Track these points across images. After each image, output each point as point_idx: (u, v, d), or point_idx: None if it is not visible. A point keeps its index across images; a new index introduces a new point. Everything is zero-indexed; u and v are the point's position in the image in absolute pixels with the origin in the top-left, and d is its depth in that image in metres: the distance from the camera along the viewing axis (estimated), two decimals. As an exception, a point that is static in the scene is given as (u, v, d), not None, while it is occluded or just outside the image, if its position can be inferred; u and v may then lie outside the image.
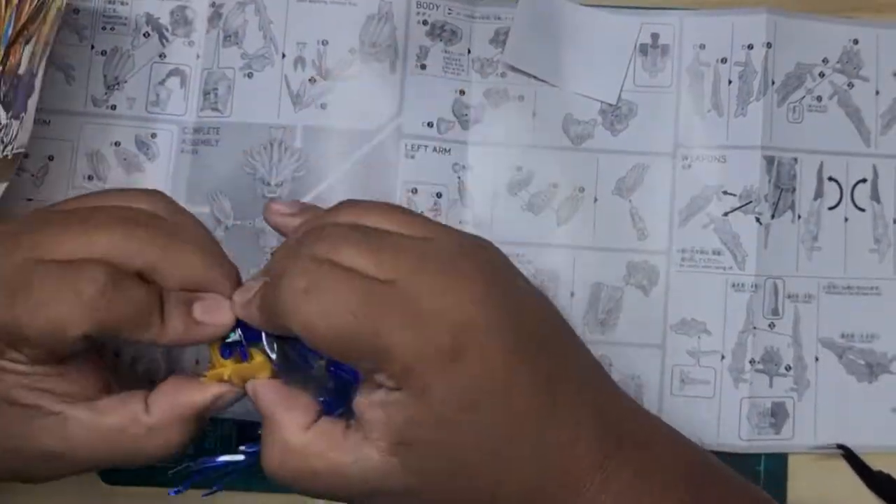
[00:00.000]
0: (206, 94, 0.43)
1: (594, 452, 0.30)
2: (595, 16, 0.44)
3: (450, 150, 0.43)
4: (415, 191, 0.43)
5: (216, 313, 0.32)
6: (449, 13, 0.44)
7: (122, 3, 0.45)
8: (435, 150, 0.43)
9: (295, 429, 0.31)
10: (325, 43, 0.43)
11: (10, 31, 0.39)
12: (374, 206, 0.33)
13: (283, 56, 0.43)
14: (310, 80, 0.43)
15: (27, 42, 0.40)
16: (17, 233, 0.31)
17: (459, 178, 0.43)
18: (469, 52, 0.44)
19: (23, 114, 0.39)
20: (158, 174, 0.44)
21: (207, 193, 0.43)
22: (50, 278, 0.30)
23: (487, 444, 0.30)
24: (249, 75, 0.43)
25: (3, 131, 0.39)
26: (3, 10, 0.39)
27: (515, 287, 0.32)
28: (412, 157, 0.43)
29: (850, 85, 0.45)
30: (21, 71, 0.39)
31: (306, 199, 0.42)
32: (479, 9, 0.44)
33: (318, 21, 0.43)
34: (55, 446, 0.31)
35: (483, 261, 0.31)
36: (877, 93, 0.45)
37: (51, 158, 0.44)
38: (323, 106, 0.43)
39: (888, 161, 0.45)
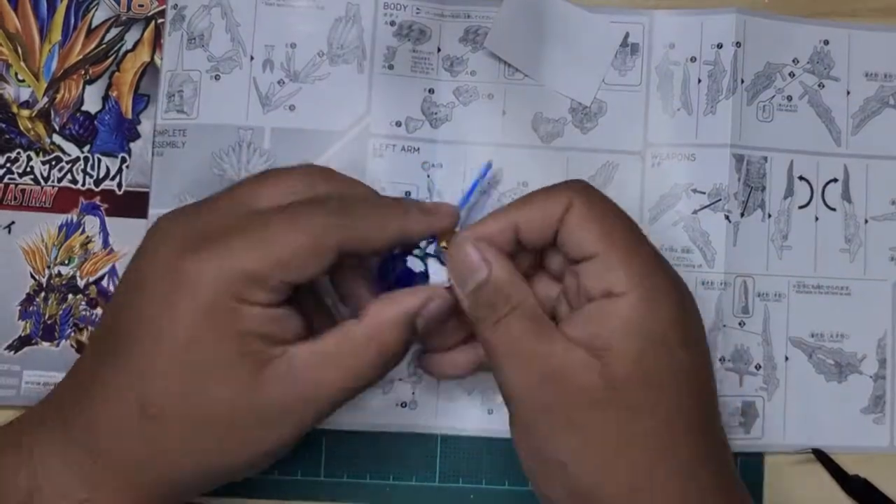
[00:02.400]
0: (170, 96, 0.44)
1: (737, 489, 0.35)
2: (583, 16, 0.45)
3: (419, 148, 0.44)
4: (383, 190, 0.43)
5: (443, 205, 0.37)
6: (417, 13, 0.44)
7: (92, 5, 0.46)
8: (404, 149, 0.44)
9: (528, 290, 0.34)
10: (293, 45, 0.44)
11: (53, 65, 0.44)
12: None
13: (252, 58, 0.44)
14: (278, 82, 0.44)
15: (90, 82, 0.45)
16: (219, 197, 0.35)
17: (429, 176, 0.44)
18: (439, 50, 0.45)
19: (123, 154, 0.45)
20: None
21: (175, 195, 0.43)
22: (286, 212, 0.33)
23: (685, 384, 0.33)
24: (216, 77, 0.44)
25: (77, 164, 0.45)
26: (39, 43, 0.45)
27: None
28: (381, 156, 0.44)
29: (821, 85, 0.45)
30: (88, 108, 0.45)
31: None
32: (448, 7, 0.45)
33: (285, 24, 0.44)
34: (289, 392, 0.33)
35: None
36: (848, 93, 0.46)
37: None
38: (291, 107, 0.44)
39: (859, 161, 0.45)
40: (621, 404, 0.32)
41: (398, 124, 0.44)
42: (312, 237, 0.32)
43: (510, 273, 0.34)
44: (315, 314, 0.37)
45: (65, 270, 0.44)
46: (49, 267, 0.44)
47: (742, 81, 0.45)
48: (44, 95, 0.45)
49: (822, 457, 0.44)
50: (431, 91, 0.45)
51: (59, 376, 0.36)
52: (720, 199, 0.44)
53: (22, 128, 0.45)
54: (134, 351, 0.32)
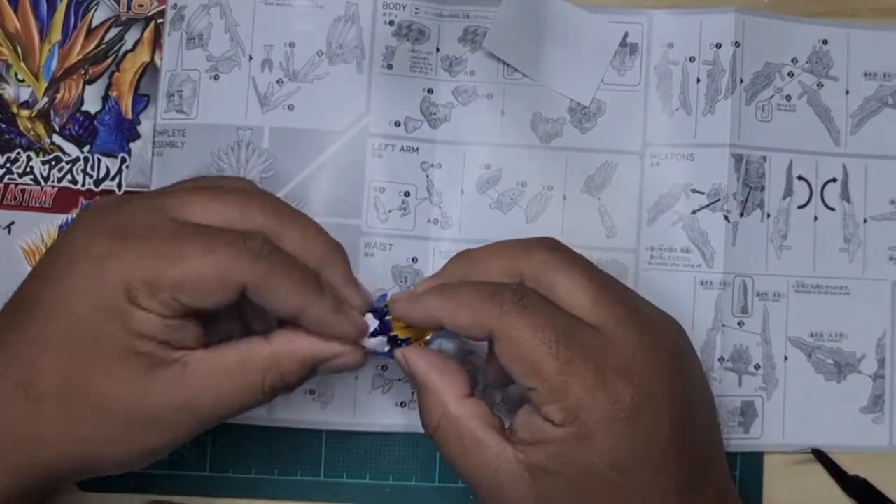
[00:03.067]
0: (169, 96, 0.44)
1: None
2: (582, 16, 0.45)
3: (418, 148, 0.44)
4: (382, 190, 0.44)
5: (354, 316, 0.35)
6: (416, 13, 0.45)
7: (92, 5, 0.46)
8: (403, 149, 0.44)
9: (453, 397, 0.34)
10: (292, 45, 0.44)
11: (53, 65, 0.45)
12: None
13: (251, 58, 0.44)
14: (277, 81, 0.44)
15: (89, 82, 0.45)
16: (154, 197, 0.34)
17: (428, 176, 0.44)
18: (438, 50, 0.45)
19: (123, 155, 0.45)
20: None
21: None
22: (205, 236, 0.32)
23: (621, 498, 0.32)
24: (216, 77, 0.44)
25: (76, 164, 0.45)
26: (39, 43, 0.45)
27: (695, 376, 0.35)
28: (380, 156, 0.44)
29: (820, 85, 0.46)
30: (88, 109, 0.45)
31: (296, 179, 0.44)
32: (447, 7, 0.45)
33: (284, 23, 0.45)
34: (177, 396, 0.32)
35: (680, 337, 0.35)
36: (847, 92, 0.46)
37: (22, 160, 0.45)
38: (290, 107, 0.44)
39: (858, 160, 0.46)
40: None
41: (397, 124, 0.44)
42: (218, 272, 0.32)
43: (426, 393, 0.35)
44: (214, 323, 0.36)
45: (64, 270, 0.44)
46: (49, 267, 0.44)
47: (741, 81, 0.45)
48: (44, 95, 0.45)
49: (821, 457, 0.44)
50: (430, 91, 0.45)
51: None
52: (719, 199, 0.44)
53: (22, 128, 0.45)
54: (29, 329, 0.32)
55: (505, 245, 0.36)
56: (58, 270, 0.33)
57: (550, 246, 0.36)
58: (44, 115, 0.45)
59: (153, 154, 0.45)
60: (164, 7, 0.45)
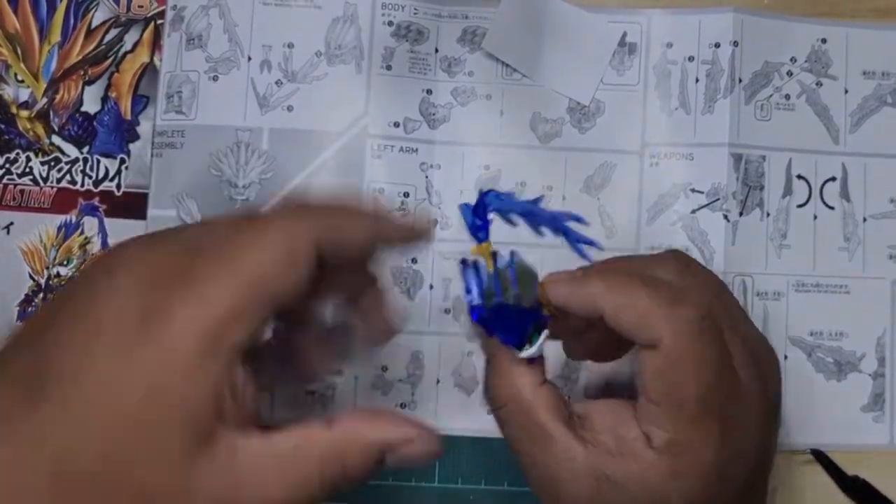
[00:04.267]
0: (168, 97, 0.45)
1: None
2: (581, 16, 0.46)
3: (417, 149, 0.45)
4: (382, 190, 0.44)
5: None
6: (415, 13, 0.45)
7: (91, 7, 0.47)
8: (402, 149, 0.45)
9: (528, 384, 0.32)
10: (290, 46, 0.45)
11: (53, 66, 0.45)
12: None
13: (249, 59, 0.45)
14: (276, 82, 0.45)
15: (89, 83, 0.46)
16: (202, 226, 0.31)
17: (427, 177, 0.45)
18: (436, 51, 0.45)
19: (122, 155, 0.46)
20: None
21: (173, 196, 0.44)
22: (251, 228, 0.28)
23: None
24: (215, 78, 0.45)
25: (76, 165, 0.45)
26: (38, 44, 0.45)
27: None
28: (379, 157, 0.44)
29: (819, 84, 0.46)
30: (87, 109, 0.46)
31: (274, 200, 0.44)
32: (446, 8, 0.46)
33: (283, 24, 0.45)
34: (217, 487, 0.26)
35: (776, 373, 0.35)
36: (846, 91, 0.46)
37: (21, 161, 0.45)
38: (289, 108, 0.45)
39: (858, 159, 0.46)
40: None
41: (396, 125, 0.45)
42: (285, 242, 0.28)
43: (501, 375, 0.33)
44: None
45: (64, 271, 0.45)
46: (48, 268, 0.45)
47: (740, 80, 0.45)
48: (43, 96, 0.46)
49: (820, 457, 0.44)
50: (429, 92, 0.45)
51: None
52: (718, 199, 0.45)
53: (21, 128, 0.46)
54: (70, 396, 0.26)
55: (643, 258, 0.36)
56: (104, 331, 0.26)
57: (681, 261, 0.35)
58: (43, 116, 0.46)
59: (152, 155, 0.45)
60: (163, 8, 0.46)
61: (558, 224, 0.32)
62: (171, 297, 0.26)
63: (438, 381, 0.44)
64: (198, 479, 0.26)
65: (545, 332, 0.32)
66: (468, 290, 0.32)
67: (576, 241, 0.33)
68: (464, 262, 0.32)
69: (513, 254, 0.32)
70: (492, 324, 0.32)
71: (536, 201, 0.32)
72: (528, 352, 0.32)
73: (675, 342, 0.30)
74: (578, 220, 0.32)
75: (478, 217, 0.31)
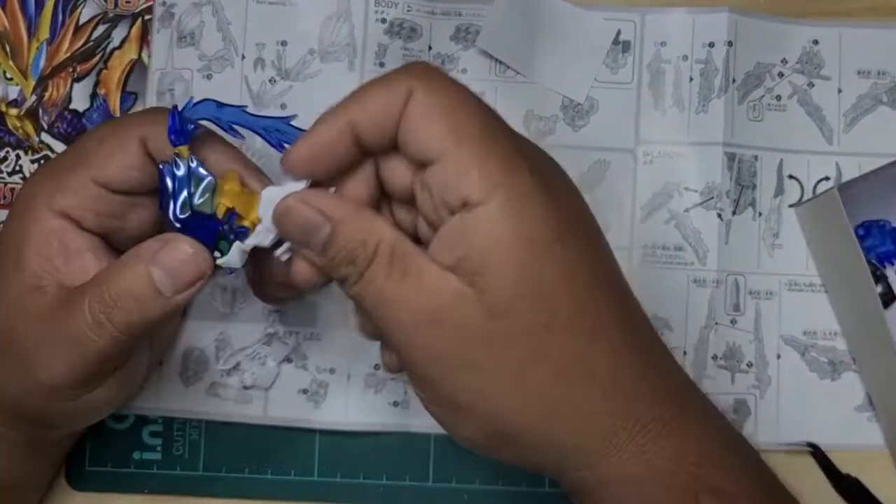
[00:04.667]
0: (160, 94, 0.45)
1: (673, 378, 0.32)
2: (575, 13, 0.46)
3: (410, 148, 0.45)
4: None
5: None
6: (408, 10, 0.45)
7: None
8: (395, 148, 0.44)
9: (385, 222, 0.30)
10: (284, 43, 0.45)
11: (41, 63, 0.45)
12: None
13: (243, 57, 0.45)
14: (270, 80, 0.45)
15: (77, 80, 0.45)
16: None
17: (420, 176, 0.45)
18: (430, 48, 0.45)
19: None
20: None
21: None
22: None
23: (574, 279, 0.29)
24: (208, 76, 0.45)
25: None
26: (27, 41, 0.45)
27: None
28: (372, 155, 0.44)
29: (811, 84, 0.46)
30: (76, 107, 0.46)
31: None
32: (439, 5, 0.46)
33: (277, 22, 0.45)
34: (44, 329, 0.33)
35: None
36: (839, 91, 0.46)
37: (10, 159, 0.45)
38: (283, 106, 0.45)
39: (852, 159, 0.46)
40: (510, 330, 0.29)
41: (390, 122, 0.45)
42: (113, 136, 0.34)
43: (356, 217, 0.30)
44: None
45: (53, 270, 0.44)
46: (37, 267, 0.44)
47: (733, 80, 0.45)
48: (32, 94, 0.45)
49: (816, 452, 0.44)
50: (423, 89, 0.45)
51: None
52: (712, 198, 0.45)
53: (10, 126, 0.45)
54: None
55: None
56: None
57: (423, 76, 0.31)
58: (32, 114, 0.45)
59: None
60: (151, 3, 0.45)
61: (268, 128, 0.35)
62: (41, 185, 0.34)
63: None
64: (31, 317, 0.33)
65: (237, 243, 0.32)
66: (162, 194, 0.33)
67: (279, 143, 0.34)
68: (161, 164, 0.33)
69: (190, 159, 0.33)
70: (188, 230, 0.33)
71: (243, 108, 0.36)
72: (222, 259, 0.32)
73: (419, 82, 0.29)
74: (286, 120, 0.35)
75: (175, 122, 0.32)
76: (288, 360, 0.44)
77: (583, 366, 0.29)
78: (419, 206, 0.31)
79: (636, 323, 0.31)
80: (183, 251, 0.32)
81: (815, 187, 0.46)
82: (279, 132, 0.35)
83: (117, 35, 0.46)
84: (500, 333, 0.29)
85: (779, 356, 0.45)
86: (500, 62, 0.46)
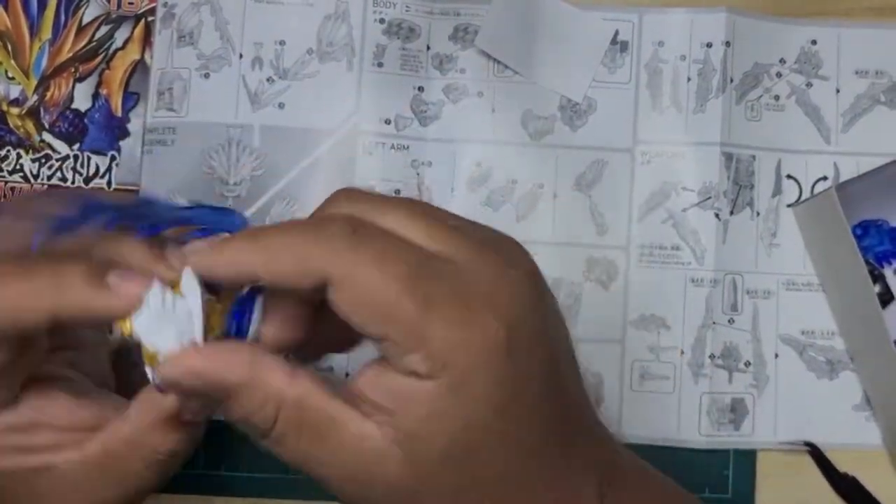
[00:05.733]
0: (160, 94, 0.45)
1: (592, 480, 0.30)
2: (573, 13, 0.46)
3: (408, 146, 0.45)
4: (373, 188, 0.44)
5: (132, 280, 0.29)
6: (407, 10, 0.46)
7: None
8: (393, 147, 0.45)
9: (284, 376, 0.28)
10: (282, 43, 0.45)
11: (43, 63, 0.46)
12: (392, 203, 0.29)
13: (241, 56, 0.45)
14: (267, 79, 0.45)
15: (79, 80, 0.46)
16: None
17: (418, 174, 0.45)
18: (428, 48, 0.46)
19: (112, 153, 0.46)
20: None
21: (165, 193, 0.45)
22: None
23: (508, 460, 0.28)
24: (206, 76, 0.45)
25: (66, 162, 0.46)
26: (29, 41, 0.46)
27: (549, 296, 0.31)
28: (370, 154, 0.45)
29: (809, 84, 0.46)
30: (78, 106, 0.46)
31: (265, 197, 0.45)
32: (437, 5, 0.46)
33: (275, 21, 0.46)
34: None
35: (524, 253, 0.30)
36: (837, 91, 0.47)
37: (12, 158, 0.46)
38: (281, 105, 0.45)
39: (850, 158, 0.47)
40: (440, 492, 0.28)
41: (387, 122, 0.45)
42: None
43: (252, 379, 0.28)
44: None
45: (54, 268, 0.45)
46: (38, 265, 0.45)
47: (731, 80, 0.46)
48: (34, 93, 0.46)
49: (814, 451, 0.45)
50: (421, 89, 0.46)
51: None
52: (710, 197, 0.45)
53: (12, 125, 0.46)
54: None
55: (296, 231, 0.28)
56: None
57: (359, 190, 0.30)
58: (34, 113, 0.46)
59: (143, 152, 0.45)
60: (154, 5, 0.46)
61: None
62: None
63: None
64: None
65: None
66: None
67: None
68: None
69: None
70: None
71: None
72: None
73: (339, 263, 0.27)
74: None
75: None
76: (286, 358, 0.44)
77: None
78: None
79: (572, 458, 0.30)
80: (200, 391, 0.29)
81: (812, 187, 0.46)
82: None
83: (120, 36, 0.46)
84: (424, 493, 0.28)
85: (776, 355, 0.45)
86: (499, 62, 0.46)
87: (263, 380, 0.27)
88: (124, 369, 0.36)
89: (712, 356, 0.45)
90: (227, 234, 0.29)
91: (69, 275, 0.28)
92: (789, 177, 0.46)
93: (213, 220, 0.29)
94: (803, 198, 0.46)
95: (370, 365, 0.28)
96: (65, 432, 0.31)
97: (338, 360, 0.44)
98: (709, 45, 0.46)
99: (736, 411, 0.45)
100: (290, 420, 0.27)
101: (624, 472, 0.31)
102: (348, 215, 0.28)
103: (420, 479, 0.27)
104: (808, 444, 0.45)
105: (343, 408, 0.28)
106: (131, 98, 0.46)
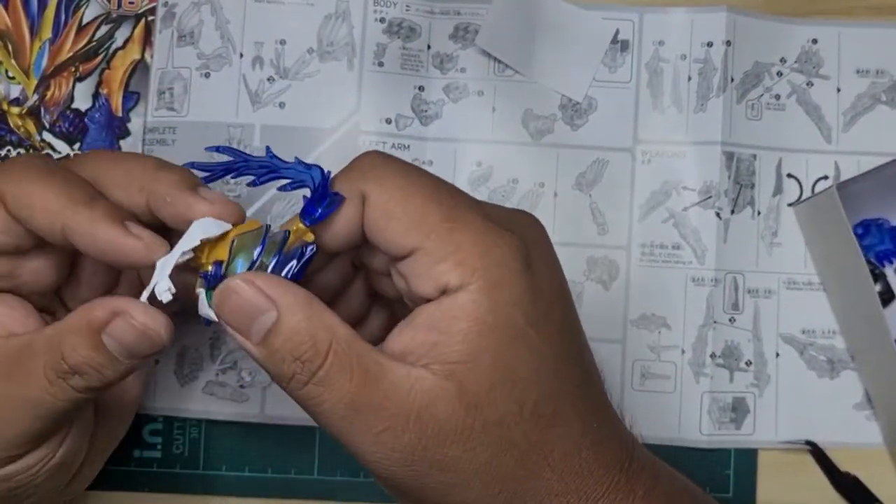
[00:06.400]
0: (160, 93, 0.45)
1: (620, 446, 0.31)
2: (574, 12, 0.46)
3: (409, 146, 0.45)
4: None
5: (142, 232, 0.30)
6: (407, 10, 0.46)
7: (82, 3, 0.47)
8: (394, 146, 0.45)
9: (335, 317, 0.28)
10: (282, 42, 0.45)
11: (44, 62, 0.46)
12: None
13: (241, 56, 0.45)
14: (268, 79, 0.45)
15: (80, 79, 0.46)
16: None
17: (419, 174, 0.45)
18: (429, 47, 0.46)
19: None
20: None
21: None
22: None
23: (545, 383, 0.29)
24: (206, 75, 0.45)
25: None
26: (29, 40, 0.46)
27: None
28: (371, 154, 0.45)
29: (810, 84, 0.47)
30: (78, 106, 0.46)
31: (265, 197, 0.45)
32: (438, 4, 0.46)
33: (275, 20, 0.46)
34: None
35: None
36: (838, 90, 0.47)
37: None
38: (281, 105, 0.45)
39: (851, 158, 0.47)
40: (485, 423, 0.28)
41: (388, 122, 0.45)
42: None
43: (307, 306, 0.28)
44: None
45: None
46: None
47: (732, 80, 0.46)
48: (34, 93, 0.46)
49: (815, 450, 0.45)
50: (421, 88, 0.46)
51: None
52: (711, 196, 0.45)
53: (12, 125, 0.46)
54: None
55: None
56: None
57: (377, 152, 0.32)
58: (34, 113, 0.46)
59: (143, 151, 0.45)
60: (154, 4, 0.46)
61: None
62: None
63: None
64: None
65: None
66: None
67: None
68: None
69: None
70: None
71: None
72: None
73: (371, 179, 0.29)
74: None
75: (320, 194, 0.30)
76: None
77: (541, 451, 0.29)
78: (399, 290, 0.31)
79: (592, 399, 0.31)
80: (133, 328, 0.30)
81: (813, 186, 0.46)
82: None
83: (120, 35, 0.46)
84: (476, 427, 0.28)
85: (777, 354, 0.46)
86: (499, 61, 0.46)
87: (321, 312, 0.28)
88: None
89: (713, 355, 0.45)
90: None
91: (96, 208, 0.30)
92: (790, 176, 0.46)
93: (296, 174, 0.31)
94: (804, 197, 0.46)
95: (397, 328, 0.29)
96: None
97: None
98: (709, 45, 0.46)
99: (737, 410, 0.45)
100: (342, 357, 0.27)
101: (641, 456, 0.32)
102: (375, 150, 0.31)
103: (471, 412, 0.28)
104: (809, 443, 0.45)
105: (388, 356, 0.28)
106: (131, 97, 0.46)
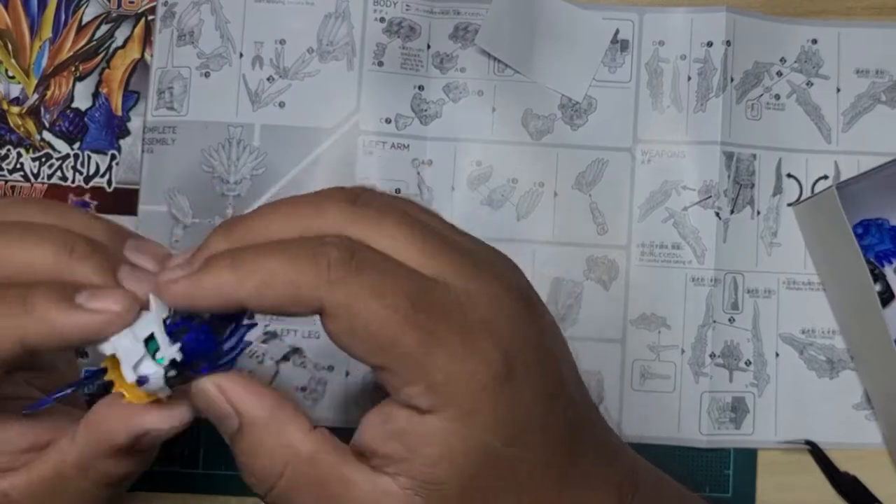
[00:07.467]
0: (160, 93, 0.45)
1: (613, 493, 0.30)
2: (574, 12, 0.46)
3: (409, 145, 0.45)
4: (374, 187, 0.44)
5: (105, 298, 0.27)
6: (407, 9, 0.46)
7: (82, 2, 0.47)
8: (393, 146, 0.45)
9: (298, 431, 0.27)
10: (282, 42, 0.45)
11: (44, 62, 0.46)
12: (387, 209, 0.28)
13: (241, 55, 0.46)
14: (268, 78, 0.45)
15: (80, 78, 0.46)
16: None
17: (419, 173, 0.45)
18: (428, 47, 0.46)
19: (113, 151, 0.46)
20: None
21: (165, 192, 0.45)
22: None
23: (522, 486, 0.27)
24: (206, 74, 0.45)
25: (66, 161, 0.46)
26: (29, 40, 0.46)
27: (548, 317, 0.30)
28: (370, 153, 0.45)
29: (810, 84, 0.47)
30: (78, 105, 0.46)
31: (265, 196, 0.45)
32: (438, 4, 0.46)
33: (275, 20, 0.46)
34: None
35: (520, 274, 0.30)
36: (838, 90, 0.47)
37: None
38: (281, 104, 0.45)
39: (850, 158, 0.47)
40: None
41: (388, 121, 0.45)
42: None
43: (269, 420, 0.27)
44: None
45: (54, 267, 0.45)
46: (38, 264, 0.45)
47: (732, 80, 0.46)
48: (34, 92, 0.46)
49: (815, 450, 0.45)
50: (421, 88, 0.46)
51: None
52: (710, 196, 0.45)
53: (12, 124, 0.46)
54: None
55: (287, 205, 0.28)
56: None
57: (348, 196, 0.28)
58: (34, 112, 0.46)
59: (143, 151, 0.46)
60: (154, 4, 0.46)
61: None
62: None
63: None
64: None
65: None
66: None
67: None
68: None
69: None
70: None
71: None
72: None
73: (335, 293, 0.25)
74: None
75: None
76: (286, 358, 0.44)
77: None
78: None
79: (583, 471, 0.29)
80: (160, 438, 0.29)
81: (813, 186, 0.46)
82: None
83: (120, 35, 0.46)
84: None
85: (777, 354, 0.46)
86: (499, 61, 0.46)
87: (279, 429, 0.27)
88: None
89: (713, 355, 0.45)
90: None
91: (37, 296, 0.26)
92: (790, 176, 0.46)
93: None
94: (804, 197, 0.46)
95: (371, 414, 0.27)
96: (15, 455, 0.29)
97: (338, 360, 0.44)
98: (709, 45, 0.46)
99: (736, 410, 0.45)
100: (300, 476, 0.27)
101: (643, 483, 0.31)
102: (343, 237, 0.27)
103: None
104: (808, 442, 0.45)
105: (355, 466, 0.27)
106: (131, 97, 0.46)
